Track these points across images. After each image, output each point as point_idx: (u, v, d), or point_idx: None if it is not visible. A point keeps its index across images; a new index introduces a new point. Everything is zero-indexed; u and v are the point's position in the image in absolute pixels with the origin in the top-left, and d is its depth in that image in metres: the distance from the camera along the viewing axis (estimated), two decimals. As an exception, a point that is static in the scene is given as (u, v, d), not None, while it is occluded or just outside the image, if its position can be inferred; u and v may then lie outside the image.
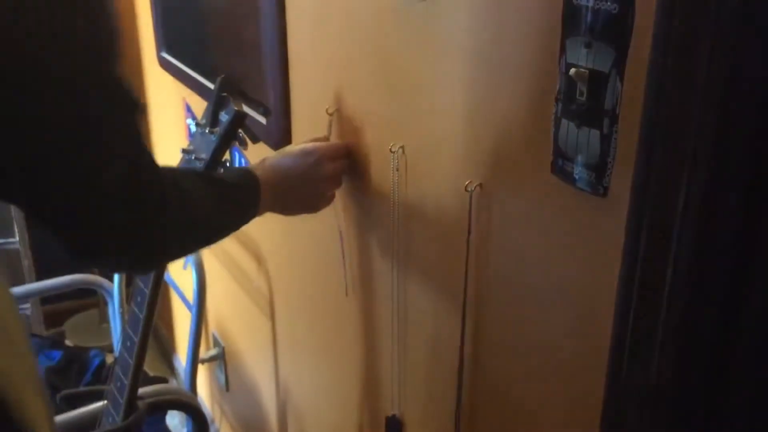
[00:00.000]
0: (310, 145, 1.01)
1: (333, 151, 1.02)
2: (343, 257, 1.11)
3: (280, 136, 1.21)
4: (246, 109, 1.02)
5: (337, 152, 1.03)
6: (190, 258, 1.50)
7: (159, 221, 0.70)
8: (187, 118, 1.75)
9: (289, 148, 1.01)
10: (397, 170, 0.92)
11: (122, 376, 1.16)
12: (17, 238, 2.28)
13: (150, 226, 0.69)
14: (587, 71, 0.60)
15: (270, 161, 0.98)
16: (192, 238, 0.82)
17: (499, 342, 0.81)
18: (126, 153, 0.64)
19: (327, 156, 1.00)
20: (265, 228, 1.43)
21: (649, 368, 0.61)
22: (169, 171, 0.76)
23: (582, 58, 0.61)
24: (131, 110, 0.65)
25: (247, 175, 0.93)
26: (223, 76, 1.02)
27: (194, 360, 1.70)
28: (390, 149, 0.91)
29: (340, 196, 1.08)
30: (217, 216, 0.85)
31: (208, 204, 0.82)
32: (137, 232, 0.68)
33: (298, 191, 0.99)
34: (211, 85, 1.18)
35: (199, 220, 0.80)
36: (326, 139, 1.06)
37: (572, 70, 0.61)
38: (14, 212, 2.25)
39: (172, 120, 1.93)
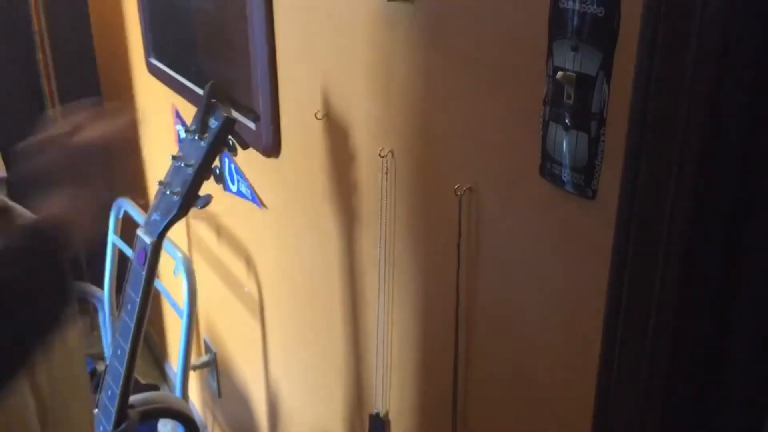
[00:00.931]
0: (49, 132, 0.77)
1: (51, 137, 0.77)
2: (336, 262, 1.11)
3: (270, 141, 1.21)
4: (235, 114, 1.02)
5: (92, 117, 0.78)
6: (180, 264, 1.49)
7: None
8: (176, 124, 1.74)
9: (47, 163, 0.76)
10: (387, 174, 0.92)
11: (113, 385, 1.15)
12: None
13: None
14: (574, 74, 0.61)
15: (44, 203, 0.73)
16: None
17: (491, 344, 0.82)
18: None
19: (47, 142, 0.77)
20: (255, 234, 1.43)
21: (639, 368, 0.61)
22: None
23: (569, 62, 0.61)
24: None
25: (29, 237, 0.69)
26: (212, 82, 1.01)
27: (186, 367, 1.69)
28: (379, 153, 0.92)
29: (330, 199, 1.08)
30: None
31: None
32: None
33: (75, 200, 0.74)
34: (200, 91, 1.18)
35: None
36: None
37: (559, 74, 0.62)
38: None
39: (161, 126, 1.92)
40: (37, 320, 0.65)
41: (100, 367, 2.05)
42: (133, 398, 1.19)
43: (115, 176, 0.81)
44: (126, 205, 1.75)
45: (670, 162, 0.55)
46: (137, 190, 2.26)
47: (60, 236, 0.69)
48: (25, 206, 0.77)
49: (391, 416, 1.04)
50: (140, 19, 1.84)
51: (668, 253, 0.58)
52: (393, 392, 1.03)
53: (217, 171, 1.04)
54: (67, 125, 0.77)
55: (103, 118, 0.78)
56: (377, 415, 1.05)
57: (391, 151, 0.91)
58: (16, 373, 0.63)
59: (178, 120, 1.71)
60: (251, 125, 1.22)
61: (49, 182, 0.74)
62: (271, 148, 1.21)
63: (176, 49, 1.68)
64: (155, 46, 1.80)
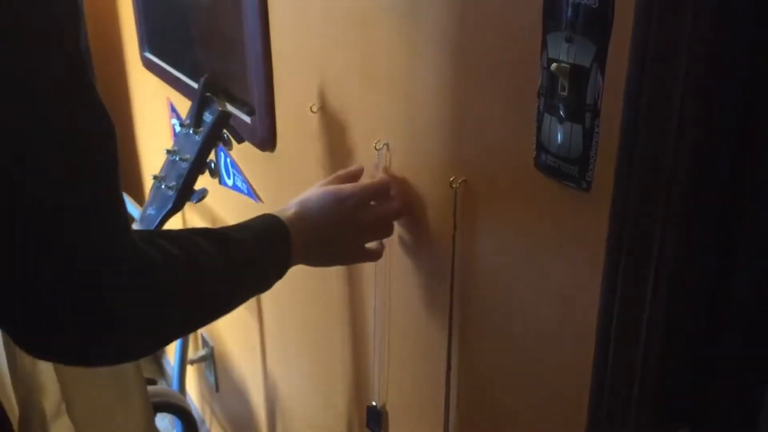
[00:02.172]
0: (345, 188, 0.85)
1: (374, 192, 0.86)
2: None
3: (265, 135, 1.21)
4: (230, 108, 1.01)
5: (380, 193, 0.87)
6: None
7: (141, 311, 0.57)
8: (171, 118, 1.74)
9: (319, 192, 0.84)
10: (382, 167, 0.92)
11: (110, 379, 1.15)
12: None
13: (137, 318, 0.57)
14: (568, 66, 0.61)
15: (298, 208, 0.82)
16: (196, 316, 0.68)
17: (485, 337, 0.82)
18: (104, 225, 0.52)
19: (367, 199, 0.85)
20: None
21: (634, 361, 0.61)
22: (159, 237, 0.62)
23: (563, 53, 0.61)
24: (106, 147, 0.53)
25: (273, 226, 0.78)
26: (206, 75, 1.01)
27: (183, 361, 1.70)
28: (375, 146, 0.91)
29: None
30: (230, 283, 0.70)
31: (217, 273, 0.67)
32: (116, 328, 0.56)
33: (333, 243, 0.84)
34: (195, 85, 1.18)
35: (203, 296, 0.66)
36: (359, 174, 0.91)
37: (553, 65, 0.62)
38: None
39: (156, 120, 1.92)
40: (250, 290, 0.76)
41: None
42: (130, 392, 1.19)
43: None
44: (122, 200, 1.74)
45: (664, 153, 0.55)
46: (132, 184, 2.26)
47: (281, 255, 0.78)
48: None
49: (388, 408, 1.05)
50: (134, 12, 1.83)
51: (663, 245, 0.58)
52: (390, 385, 1.04)
53: (212, 165, 1.04)
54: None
55: (386, 195, 0.88)
56: (375, 407, 1.06)
57: (386, 144, 0.91)
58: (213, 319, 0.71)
59: (173, 114, 1.71)
60: (246, 119, 1.22)
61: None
62: (267, 142, 1.21)
63: (171, 42, 1.67)
64: (150, 40, 1.79)
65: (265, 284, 0.78)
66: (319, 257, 0.85)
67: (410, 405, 1.01)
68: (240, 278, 0.72)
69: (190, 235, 0.66)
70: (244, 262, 0.72)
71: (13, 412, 0.87)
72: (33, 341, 0.55)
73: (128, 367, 0.96)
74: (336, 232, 0.83)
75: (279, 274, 0.78)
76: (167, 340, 0.66)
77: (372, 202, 0.87)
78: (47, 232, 0.50)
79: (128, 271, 0.54)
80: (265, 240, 0.76)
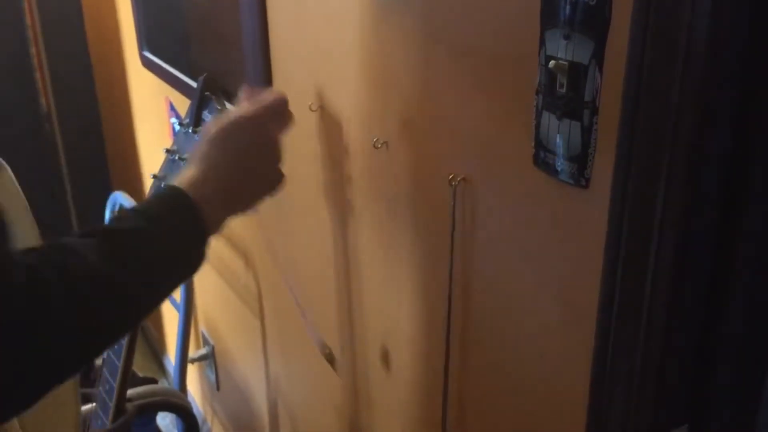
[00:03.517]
0: (240, 114, 0.76)
1: (270, 111, 0.78)
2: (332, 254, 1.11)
3: (264, 133, 1.21)
4: (229, 107, 1.01)
5: (275, 110, 0.78)
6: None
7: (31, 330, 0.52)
8: (170, 117, 1.74)
9: (215, 128, 0.75)
10: (382, 165, 0.92)
11: (110, 379, 1.15)
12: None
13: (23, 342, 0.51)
14: (567, 63, 0.61)
15: (200, 162, 0.72)
16: (103, 328, 0.60)
17: (484, 335, 0.82)
18: None
19: (265, 119, 0.77)
20: (253, 227, 1.43)
21: (633, 359, 0.61)
22: (27, 255, 0.55)
23: (561, 50, 0.61)
24: None
25: (169, 198, 0.68)
26: (205, 74, 1.01)
27: (183, 360, 1.70)
28: (374, 145, 0.91)
29: (325, 191, 1.08)
30: (127, 277, 0.61)
31: (109, 270, 0.59)
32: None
33: (247, 180, 0.75)
34: (194, 84, 1.18)
35: (103, 305, 0.59)
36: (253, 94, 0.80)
37: (552, 63, 0.62)
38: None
39: (155, 119, 1.91)
40: (165, 279, 0.67)
41: (98, 361, 2.05)
42: (131, 392, 1.19)
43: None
44: (121, 199, 1.75)
45: (662, 150, 0.55)
46: (132, 184, 2.26)
47: (208, 208, 0.68)
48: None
49: (389, 401, 1.05)
50: (133, 11, 1.83)
51: (661, 242, 0.58)
52: (395, 382, 1.04)
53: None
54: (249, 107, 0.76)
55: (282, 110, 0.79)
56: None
57: (386, 143, 0.91)
58: (136, 323, 0.66)
59: (173, 113, 1.71)
60: (245, 117, 1.22)
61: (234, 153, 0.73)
62: (266, 141, 1.21)
63: (170, 41, 1.67)
64: (149, 39, 1.79)
65: (185, 260, 0.69)
66: (243, 197, 0.75)
67: (410, 402, 1.01)
68: (138, 271, 0.63)
69: (63, 241, 0.59)
70: (136, 251, 0.63)
71: None
72: None
73: None
74: (247, 166, 0.74)
75: (198, 240, 0.68)
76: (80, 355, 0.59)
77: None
78: None
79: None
80: (163, 220, 0.66)
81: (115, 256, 0.60)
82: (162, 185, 0.72)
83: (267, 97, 0.79)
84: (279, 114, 0.79)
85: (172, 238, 0.66)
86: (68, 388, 0.92)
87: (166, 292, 0.68)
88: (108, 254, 0.59)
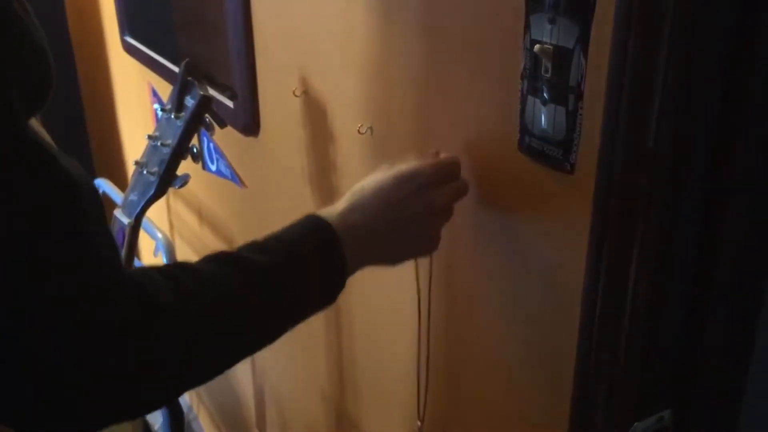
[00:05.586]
0: (408, 167, 0.71)
1: (441, 172, 0.72)
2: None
3: (248, 119, 1.20)
4: (212, 92, 1.00)
5: (447, 173, 0.72)
6: (160, 245, 1.48)
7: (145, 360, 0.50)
8: (153, 103, 1.72)
9: (378, 176, 0.71)
10: (366, 150, 0.92)
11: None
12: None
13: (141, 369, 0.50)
14: (552, 47, 0.60)
15: (353, 199, 0.69)
16: (223, 357, 0.60)
17: (468, 321, 0.82)
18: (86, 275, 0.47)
19: (434, 180, 0.70)
20: (238, 214, 1.42)
21: (618, 344, 0.61)
22: (164, 275, 0.54)
23: (546, 35, 0.61)
24: (70, 196, 0.46)
25: (317, 233, 0.65)
26: (187, 59, 1.00)
27: (169, 348, 1.69)
28: (358, 130, 0.91)
29: (311, 178, 1.07)
30: (262, 314, 0.61)
31: (241, 307, 0.58)
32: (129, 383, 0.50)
33: (398, 235, 0.70)
34: (177, 69, 1.16)
35: (225, 337, 0.58)
36: (433, 156, 0.75)
37: (537, 47, 0.61)
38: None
39: (137, 105, 1.89)
40: (286, 321, 0.64)
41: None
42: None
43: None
44: (104, 186, 1.73)
45: (646, 136, 0.55)
46: (115, 170, 2.23)
47: (331, 266, 0.65)
48: None
49: (365, 392, 1.05)
50: (114, -4, 1.80)
51: (646, 227, 0.58)
52: (366, 370, 1.04)
53: (195, 150, 1.03)
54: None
55: (451, 176, 0.73)
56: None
57: (370, 128, 0.90)
58: (238, 362, 0.63)
59: (155, 98, 1.69)
60: (229, 103, 1.20)
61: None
62: (250, 127, 1.20)
63: (152, 26, 1.65)
64: (130, 24, 1.77)
65: (318, 300, 0.66)
66: (386, 250, 0.71)
67: (385, 391, 1.02)
68: (277, 303, 0.62)
69: (201, 264, 0.59)
70: (276, 284, 0.61)
71: None
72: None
73: None
74: (401, 219, 0.69)
75: (334, 283, 0.66)
76: (196, 380, 0.59)
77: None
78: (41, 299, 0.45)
79: (132, 312, 0.49)
80: (304, 254, 0.63)
81: (242, 296, 0.58)
82: (309, 215, 0.68)
83: (446, 161, 0.73)
84: (451, 177, 0.73)
85: (308, 277, 0.64)
86: None
87: (279, 334, 0.65)
88: (235, 292, 0.57)
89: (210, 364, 0.58)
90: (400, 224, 0.69)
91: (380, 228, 0.68)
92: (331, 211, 0.68)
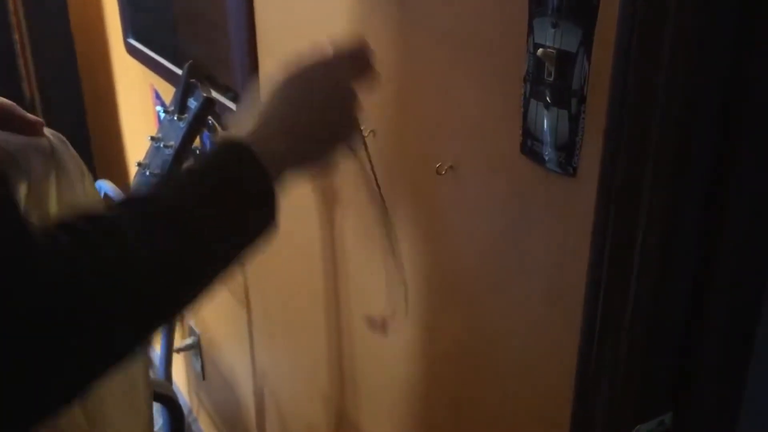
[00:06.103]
0: (315, 57, 0.68)
1: (351, 56, 0.69)
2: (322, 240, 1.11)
3: (251, 121, 1.20)
4: (215, 94, 1.01)
5: (357, 55, 0.70)
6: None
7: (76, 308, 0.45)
8: (155, 104, 1.72)
9: (285, 72, 0.68)
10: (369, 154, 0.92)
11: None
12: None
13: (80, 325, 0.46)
14: (555, 51, 0.60)
15: (264, 103, 0.66)
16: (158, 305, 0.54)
17: (470, 323, 0.82)
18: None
19: (344, 64, 0.69)
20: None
21: (619, 346, 0.62)
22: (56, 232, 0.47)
23: (549, 38, 0.61)
24: None
25: (225, 153, 0.60)
26: (190, 62, 1.00)
27: (169, 349, 1.69)
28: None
29: (313, 181, 1.07)
30: (181, 246, 0.54)
31: (156, 242, 0.52)
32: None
33: (319, 126, 0.66)
34: (180, 71, 1.17)
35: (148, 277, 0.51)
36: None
37: (540, 50, 0.61)
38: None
39: (140, 107, 1.90)
40: (222, 248, 0.59)
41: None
42: (116, 381, 1.18)
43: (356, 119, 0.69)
44: (106, 187, 1.73)
45: (649, 139, 0.55)
46: (117, 172, 2.24)
47: (269, 157, 0.60)
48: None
49: (364, 387, 1.05)
50: (117, -2, 1.81)
51: (648, 230, 0.58)
52: (362, 370, 1.04)
53: (198, 152, 1.03)
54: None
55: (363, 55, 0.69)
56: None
57: (373, 131, 0.90)
58: (193, 297, 0.58)
59: (158, 101, 1.69)
60: (232, 105, 1.21)
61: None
62: (252, 129, 1.20)
63: (155, 28, 1.65)
64: (133, 26, 1.77)
65: (244, 224, 0.61)
66: (309, 150, 0.66)
67: (385, 391, 1.02)
68: (201, 227, 0.56)
69: (97, 215, 0.51)
70: (187, 212, 0.55)
71: None
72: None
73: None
74: (308, 109, 0.65)
75: (262, 191, 0.61)
76: (153, 319, 0.55)
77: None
78: None
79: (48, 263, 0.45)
80: (204, 176, 0.58)
81: (155, 231, 0.52)
82: (217, 139, 0.63)
83: (345, 44, 0.70)
84: (357, 61, 0.69)
85: (226, 198, 0.58)
86: (140, 392, 0.91)
87: (225, 263, 0.60)
88: (148, 230, 0.52)
89: (146, 305, 0.53)
90: (314, 116, 0.65)
91: (295, 126, 0.64)
92: (242, 129, 0.63)
